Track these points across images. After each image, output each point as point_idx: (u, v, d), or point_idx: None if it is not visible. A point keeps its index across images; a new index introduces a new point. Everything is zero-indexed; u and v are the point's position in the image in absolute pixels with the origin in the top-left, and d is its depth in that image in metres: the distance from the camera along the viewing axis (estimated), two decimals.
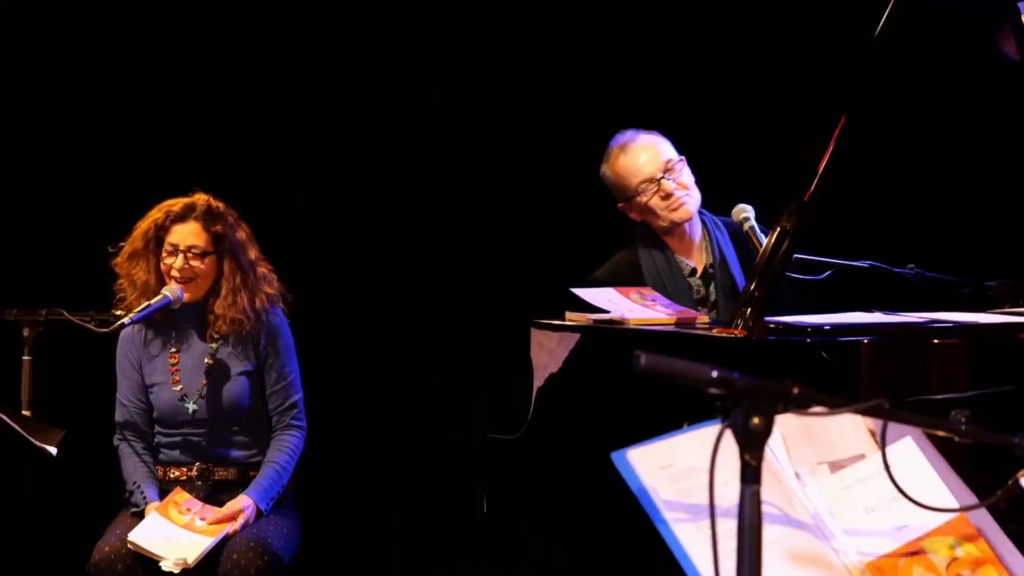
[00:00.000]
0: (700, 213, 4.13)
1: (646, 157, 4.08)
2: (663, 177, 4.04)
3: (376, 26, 5.49)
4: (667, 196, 4.04)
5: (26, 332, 4.38)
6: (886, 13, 3.22)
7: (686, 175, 4.08)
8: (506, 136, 5.49)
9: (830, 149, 3.23)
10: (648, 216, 4.10)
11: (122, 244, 4.27)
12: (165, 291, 4.18)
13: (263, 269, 4.29)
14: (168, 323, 4.28)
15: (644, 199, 4.06)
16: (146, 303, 4.17)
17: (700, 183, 4.16)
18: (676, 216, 4.06)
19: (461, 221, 5.49)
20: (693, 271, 4.08)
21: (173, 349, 4.28)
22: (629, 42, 5.43)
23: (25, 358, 4.38)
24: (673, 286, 4.00)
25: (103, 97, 5.45)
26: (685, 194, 4.06)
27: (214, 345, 4.26)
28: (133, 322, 4.17)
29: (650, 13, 5.41)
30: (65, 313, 4.34)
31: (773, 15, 5.39)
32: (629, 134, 4.14)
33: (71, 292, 4.78)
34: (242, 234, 4.26)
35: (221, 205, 4.25)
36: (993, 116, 5.12)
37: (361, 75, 5.49)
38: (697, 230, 4.12)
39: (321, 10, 5.50)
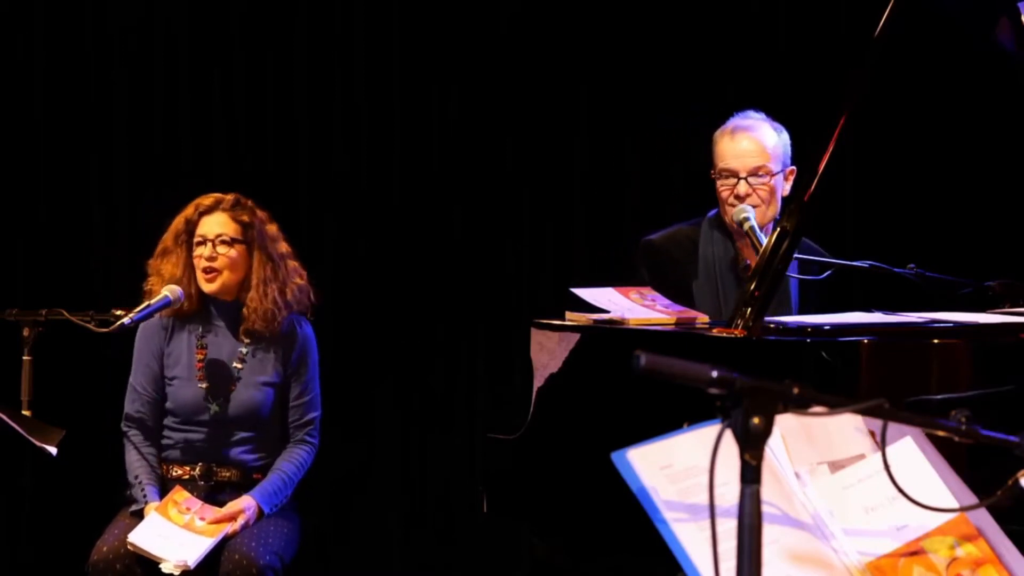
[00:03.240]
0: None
1: (742, 150, 3.95)
2: (744, 178, 3.92)
3: (376, 25, 5.50)
4: (738, 197, 3.93)
5: (26, 332, 4.37)
6: (886, 13, 3.22)
7: (770, 189, 3.93)
8: (507, 136, 5.49)
9: (830, 149, 3.23)
10: (719, 199, 4.00)
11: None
12: (165, 291, 4.18)
13: (293, 263, 4.32)
14: (200, 319, 4.29)
15: (718, 185, 3.97)
16: (146, 303, 4.18)
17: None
18: (731, 217, 3.95)
19: (462, 221, 5.50)
20: (747, 267, 4.01)
21: (200, 346, 4.29)
22: (629, 42, 5.43)
23: (25, 358, 4.37)
24: (723, 273, 3.96)
25: (103, 97, 5.46)
26: (755, 206, 3.91)
27: (244, 349, 4.27)
28: (133, 322, 4.17)
29: (650, 12, 5.42)
30: (65, 313, 4.34)
31: (773, 15, 5.40)
32: (750, 120, 4.00)
33: (71, 292, 4.79)
34: (272, 228, 4.30)
35: (250, 202, 4.30)
36: (993, 116, 5.12)
37: (361, 74, 5.50)
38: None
39: (321, 10, 5.50)
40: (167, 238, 4.29)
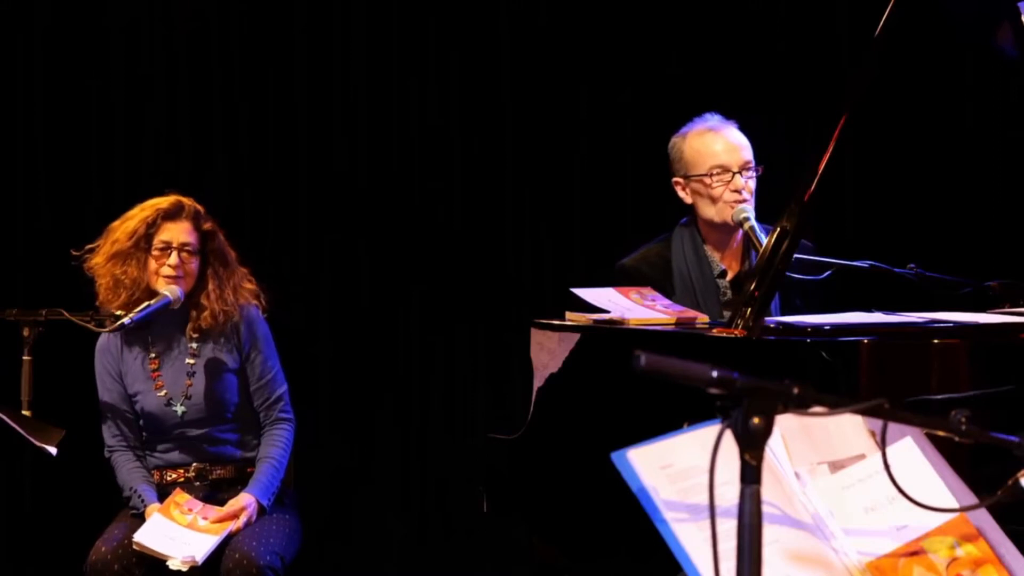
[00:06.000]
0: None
1: (731, 147, 3.99)
2: (738, 173, 3.95)
3: (376, 26, 5.49)
4: (735, 191, 3.95)
5: (26, 332, 4.37)
6: (886, 13, 3.22)
7: (753, 184, 3.99)
8: (507, 135, 5.49)
9: (830, 149, 3.23)
10: (700, 202, 4.01)
11: (89, 247, 4.28)
12: (165, 291, 4.17)
13: (243, 269, 4.33)
14: (143, 328, 4.27)
15: (708, 183, 3.98)
16: (146, 303, 4.16)
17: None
18: (730, 214, 3.97)
19: (461, 221, 5.49)
20: (723, 272, 4.02)
21: (152, 355, 4.27)
22: (630, 42, 5.43)
23: (25, 358, 4.37)
24: (702, 285, 3.97)
25: (102, 97, 5.45)
26: (747, 200, 3.95)
27: (194, 345, 4.26)
28: (134, 322, 4.16)
29: (651, 12, 5.42)
30: (65, 313, 4.34)
31: (773, 15, 5.39)
32: (721, 120, 4.04)
33: (71, 292, 4.78)
34: (222, 236, 4.30)
35: (202, 208, 4.28)
36: (993, 116, 5.12)
37: (361, 74, 5.49)
38: (739, 234, 4.02)
39: (321, 10, 5.50)
40: (120, 240, 4.21)
